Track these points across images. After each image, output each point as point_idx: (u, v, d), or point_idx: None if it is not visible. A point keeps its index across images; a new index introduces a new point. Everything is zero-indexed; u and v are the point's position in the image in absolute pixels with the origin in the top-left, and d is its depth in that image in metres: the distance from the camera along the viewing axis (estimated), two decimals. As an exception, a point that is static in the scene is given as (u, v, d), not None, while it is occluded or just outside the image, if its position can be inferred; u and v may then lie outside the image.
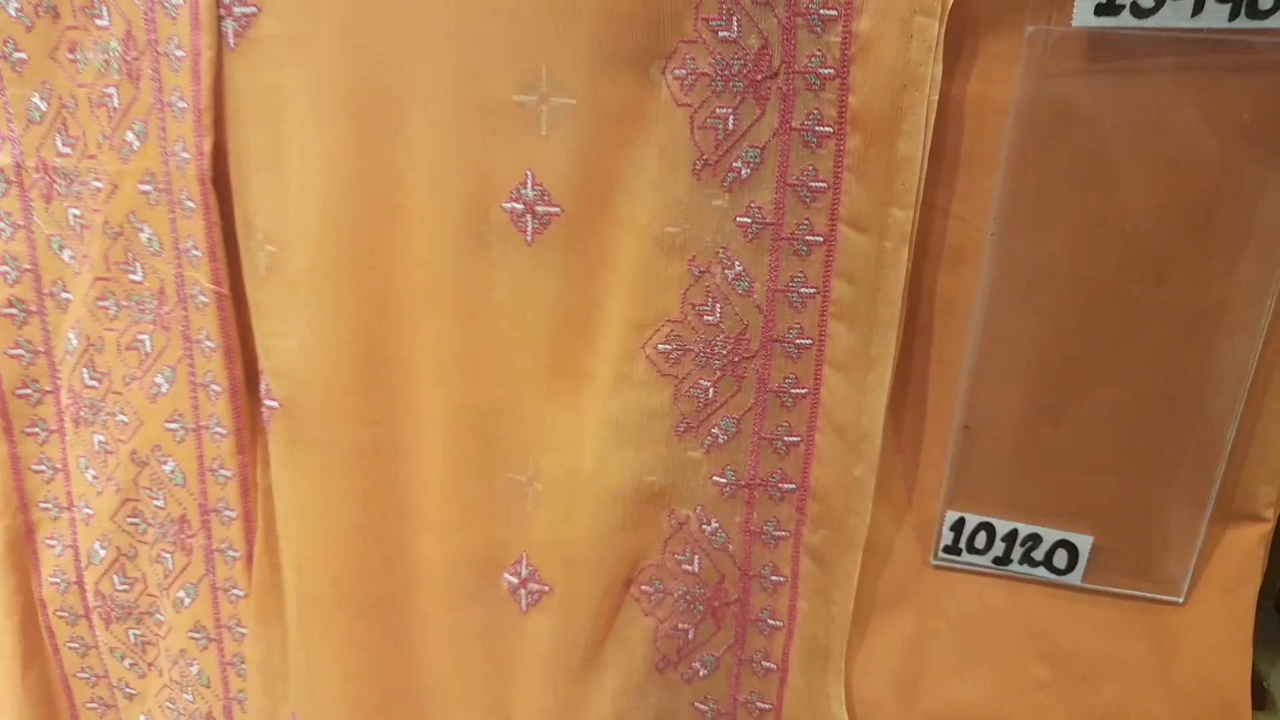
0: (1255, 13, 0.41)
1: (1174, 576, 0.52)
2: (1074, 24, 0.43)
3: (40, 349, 0.64)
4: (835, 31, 0.46)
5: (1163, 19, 0.42)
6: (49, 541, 0.68)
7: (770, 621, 0.55)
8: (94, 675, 0.71)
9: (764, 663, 0.56)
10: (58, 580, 0.68)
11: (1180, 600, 0.52)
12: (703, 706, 0.58)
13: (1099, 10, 0.43)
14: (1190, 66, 0.42)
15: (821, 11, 0.45)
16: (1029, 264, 0.48)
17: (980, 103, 0.46)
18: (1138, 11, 0.42)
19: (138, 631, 0.68)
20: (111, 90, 0.57)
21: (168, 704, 0.69)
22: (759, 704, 0.57)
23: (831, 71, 0.46)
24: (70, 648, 0.70)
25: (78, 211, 0.60)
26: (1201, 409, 0.49)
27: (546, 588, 0.57)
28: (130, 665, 0.70)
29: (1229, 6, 0.42)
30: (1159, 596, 0.52)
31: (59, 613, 0.69)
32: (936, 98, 0.45)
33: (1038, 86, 0.45)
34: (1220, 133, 0.44)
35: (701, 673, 0.57)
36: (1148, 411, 0.49)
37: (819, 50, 0.46)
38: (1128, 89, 0.44)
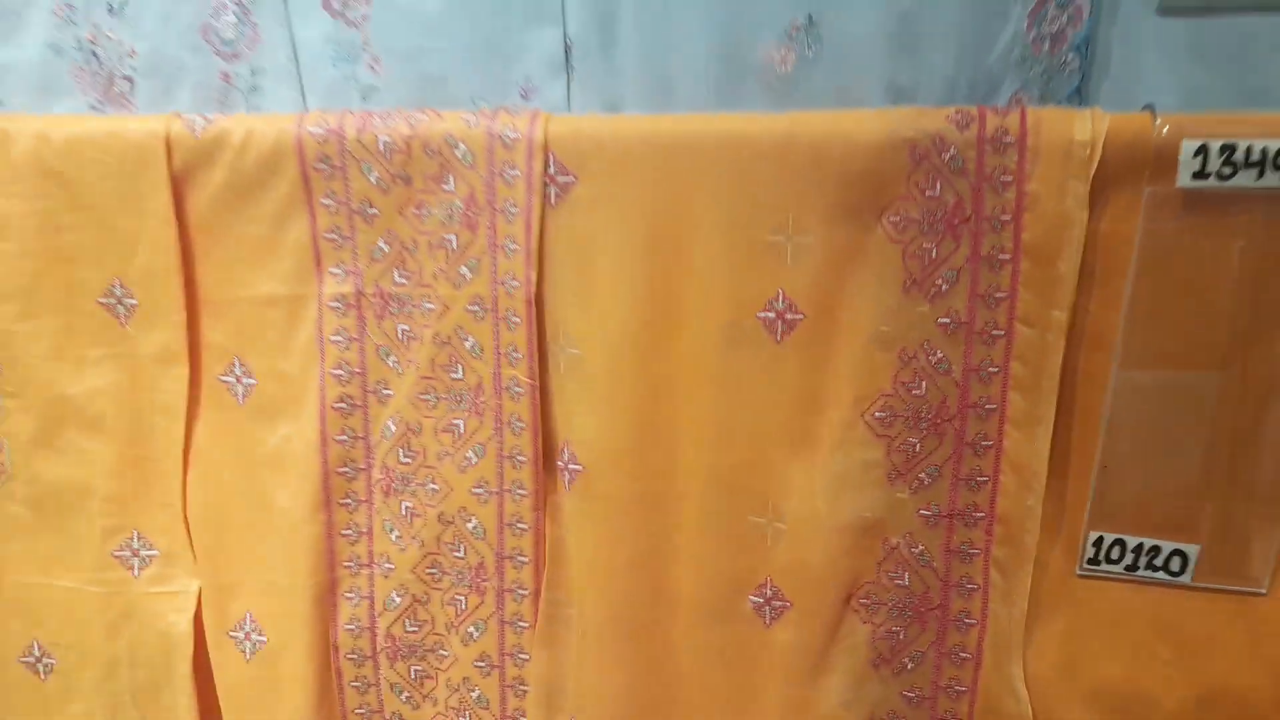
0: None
1: (1259, 575, 0.69)
2: (1178, 185, 0.63)
3: (360, 435, 0.78)
4: (1011, 190, 0.65)
5: (1238, 181, 0.62)
6: (348, 594, 0.80)
7: (967, 620, 0.71)
8: (370, 711, 0.83)
9: (961, 654, 0.72)
10: (352, 627, 0.81)
11: (1264, 591, 0.69)
12: (910, 694, 0.73)
13: (1194, 176, 0.62)
14: (1259, 216, 0.62)
15: (1002, 178, 0.65)
16: (1147, 350, 0.66)
17: (1114, 237, 0.65)
18: (1221, 177, 0.62)
19: (419, 667, 0.81)
20: (451, 236, 0.74)
21: (442, 731, 0.81)
22: (957, 688, 0.72)
23: (1009, 218, 0.65)
24: (353, 686, 0.82)
25: (407, 327, 0.76)
26: (1271, 452, 0.67)
27: (788, 604, 0.72)
28: (406, 698, 0.82)
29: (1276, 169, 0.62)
30: (1249, 589, 0.69)
31: (349, 655, 0.81)
32: (1083, 234, 0.64)
33: (1151, 227, 0.64)
34: (1254, 266, 0.64)
35: (909, 666, 0.73)
36: (1235, 454, 0.67)
37: (1000, 203, 0.65)
38: (1211, 227, 0.64)
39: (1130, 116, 0.64)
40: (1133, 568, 0.70)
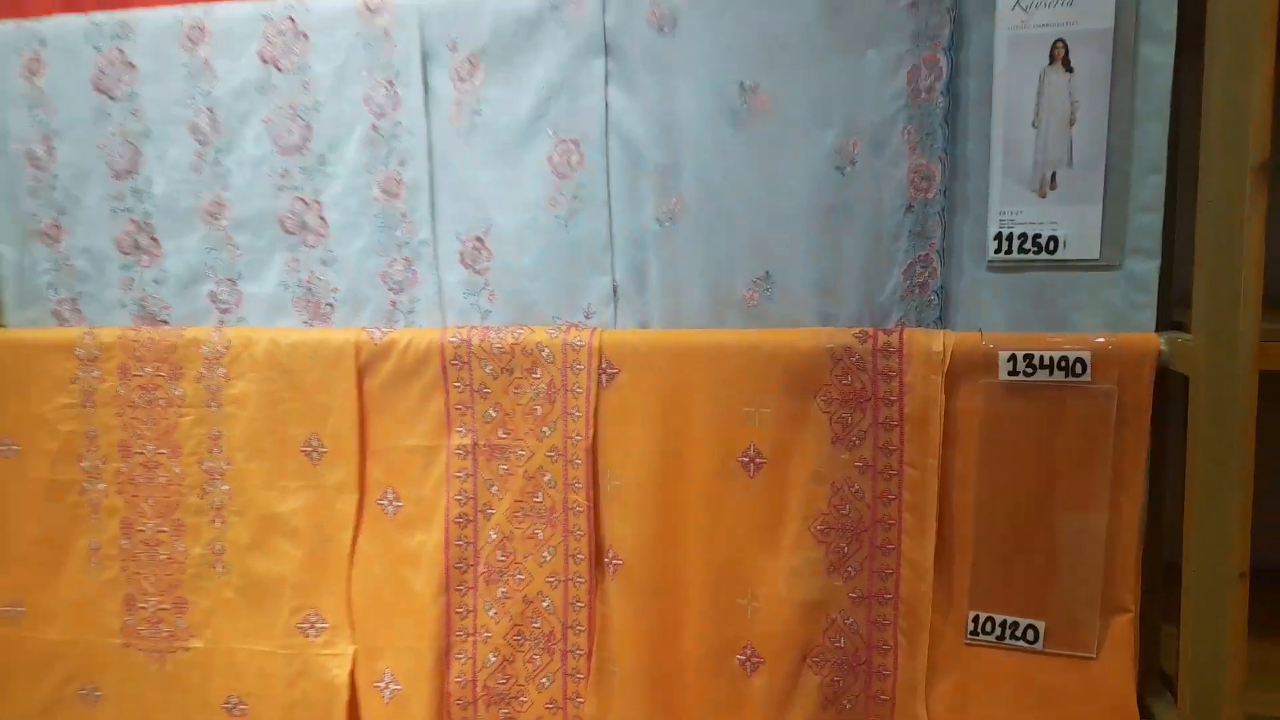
0: (1073, 372, 0.95)
1: (1088, 643, 0.97)
2: (999, 379, 0.97)
3: (471, 541, 1.12)
4: (895, 381, 1.00)
5: (1037, 377, 0.96)
6: (458, 655, 1.12)
7: (884, 672, 1.00)
8: (470, 743, 1.13)
9: (881, 697, 1.01)
10: (460, 680, 1.12)
11: (1094, 656, 0.97)
12: (849, 728, 1.01)
13: (1009, 374, 0.96)
14: (1051, 397, 0.96)
15: (889, 373, 1.00)
16: (992, 484, 0.98)
17: (963, 411, 0.99)
18: (1025, 374, 0.96)
19: (506, 711, 1.11)
20: (538, 407, 1.10)
21: (519, 757, 1.11)
22: (881, 721, 1.01)
23: (895, 398, 1.00)
24: (460, 725, 1.13)
25: (505, 467, 1.12)
26: (1088, 558, 0.97)
27: (762, 660, 1.02)
28: (497, 734, 1.12)
29: (1060, 369, 0.95)
30: (1082, 654, 0.97)
31: (457, 700, 1.12)
32: (942, 410, 0.98)
33: (985, 405, 0.98)
34: (1051, 430, 0.96)
35: (848, 706, 1.01)
36: (1060, 558, 0.97)
37: (888, 389, 1.00)
38: (1023, 404, 0.97)
39: (968, 335, 0.99)
40: (1001, 638, 0.99)
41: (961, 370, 0.99)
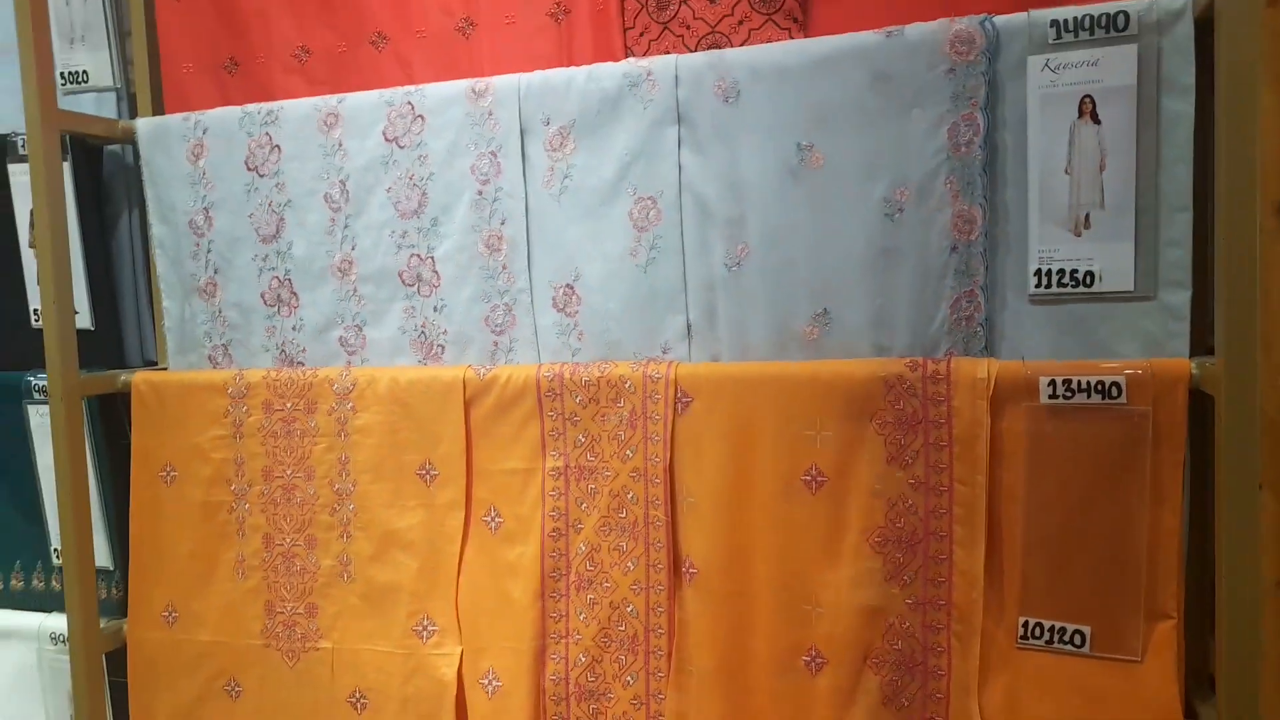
0: (1109, 395, 1.03)
1: (1133, 647, 1.03)
2: (1041, 401, 1.05)
3: (564, 553, 1.25)
4: (944, 405, 1.09)
5: (1076, 400, 1.04)
6: (552, 655, 1.25)
7: (939, 673, 1.08)
8: (563, 736, 1.24)
9: (937, 695, 1.08)
10: (554, 677, 1.24)
11: (1139, 659, 1.03)
12: (908, 724, 1.09)
13: (1049, 397, 1.05)
14: (1085, 419, 1.03)
15: (938, 398, 1.09)
16: (1038, 498, 1.06)
17: (1009, 432, 1.07)
18: (1065, 397, 1.04)
19: (595, 706, 1.23)
20: (621, 433, 1.23)
21: (607, 750, 1.22)
22: (935, 717, 1.07)
23: (944, 421, 1.09)
24: (553, 718, 1.24)
25: (594, 487, 1.25)
26: (1131, 567, 1.03)
27: (826, 662, 1.11)
28: (587, 729, 1.23)
29: (1097, 392, 1.03)
30: (1128, 658, 1.03)
31: (552, 697, 1.24)
32: (988, 431, 1.07)
33: (1029, 426, 1.06)
34: (1091, 449, 1.04)
35: (905, 704, 1.09)
36: (1107, 567, 1.04)
37: (938, 413, 1.09)
38: (1064, 425, 1.05)
39: (1011, 363, 1.08)
40: (1050, 642, 1.06)
41: (1005, 394, 1.07)
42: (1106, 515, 1.04)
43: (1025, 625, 1.07)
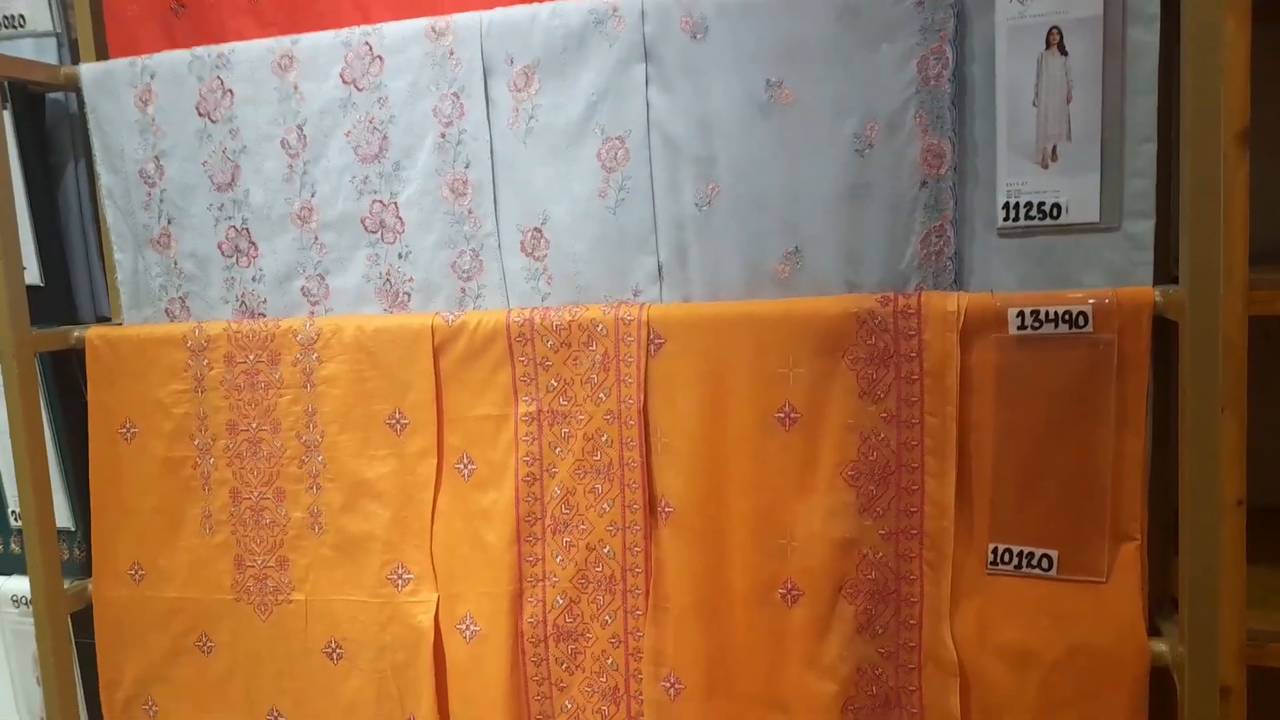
0: (1076, 325, 1.03)
1: (1099, 568, 1.05)
2: (1010, 333, 1.05)
3: (539, 497, 1.23)
4: (915, 339, 1.08)
5: (1044, 330, 1.03)
6: (529, 599, 1.23)
7: (912, 600, 1.08)
8: (541, 676, 1.23)
9: (910, 622, 1.09)
10: (532, 620, 1.23)
11: (1104, 580, 1.04)
12: (881, 650, 1.10)
13: (1018, 328, 1.04)
14: (1053, 348, 1.03)
15: (909, 332, 1.08)
16: (1007, 428, 1.06)
17: (978, 364, 1.07)
18: (1033, 328, 1.04)
19: (574, 646, 1.21)
20: (594, 376, 1.21)
21: (587, 688, 1.21)
22: (909, 644, 1.09)
23: (915, 354, 1.08)
24: (532, 660, 1.23)
25: (567, 430, 1.22)
26: (1096, 491, 1.04)
27: (802, 593, 1.11)
28: (565, 668, 1.22)
29: (1064, 322, 1.03)
30: (1093, 579, 1.04)
31: (530, 639, 1.23)
32: (958, 363, 1.06)
33: (998, 357, 1.06)
34: (1059, 377, 1.04)
35: (880, 631, 1.10)
36: (1071, 491, 1.04)
37: (909, 346, 1.08)
38: (1033, 355, 1.05)
39: (980, 295, 1.07)
40: (1019, 567, 1.07)
41: (975, 327, 1.07)
42: (1073, 442, 1.05)
43: (995, 551, 1.08)
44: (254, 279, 1.40)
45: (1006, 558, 1.07)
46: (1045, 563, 1.06)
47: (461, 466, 1.28)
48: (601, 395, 1.20)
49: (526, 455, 1.23)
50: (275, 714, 1.35)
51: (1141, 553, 1.04)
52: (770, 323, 1.13)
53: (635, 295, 1.24)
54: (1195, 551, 0.94)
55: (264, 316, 1.39)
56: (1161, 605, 1.08)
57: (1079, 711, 1.03)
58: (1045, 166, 1.08)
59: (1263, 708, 1.05)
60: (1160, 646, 1.02)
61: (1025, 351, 1.05)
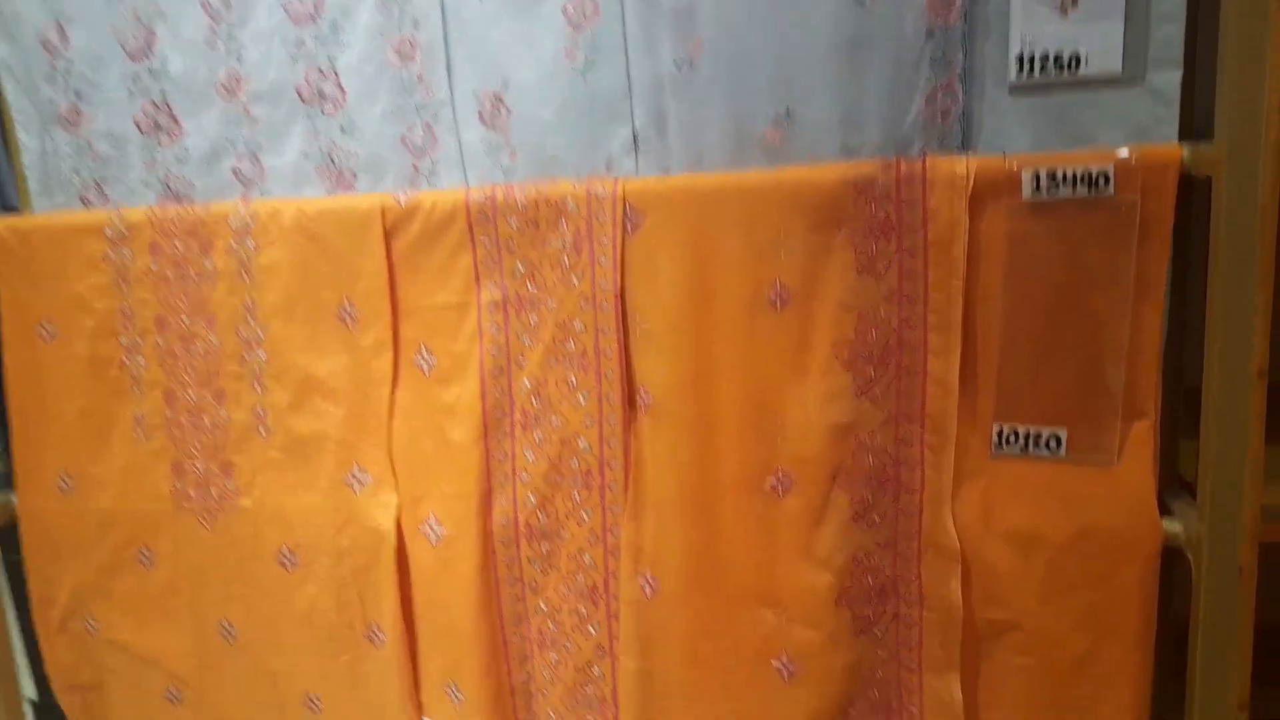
0: (1096, 186, 0.93)
1: (1110, 449, 0.97)
2: (1023, 198, 0.95)
3: (507, 391, 1.11)
4: (919, 208, 0.97)
5: (1060, 193, 0.93)
6: (498, 498, 1.13)
7: (912, 487, 1.00)
8: (514, 578, 1.14)
9: (910, 509, 1.01)
10: (502, 520, 1.12)
11: (1115, 460, 0.97)
12: (877, 540, 1.02)
13: (1033, 192, 0.94)
14: (1070, 214, 0.93)
15: (913, 200, 0.97)
16: (1018, 300, 0.97)
17: (987, 233, 0.96)
18: (1049, 192, 0.93)
19: (548, 545, 1.12)
20: (565, 258, 1.08)
21: (562, 588, 1.12)
22: (909, 532, 1.01)
23: (920, 225, 0.97)
24: (504, 561, 1.13)
25: (536, 318, 1.10)
26: (1110, 367, 0.96)
27: (793, 482, 1.02)
28: (538, 568, 1.13)
29: (1083, 184, 0.93)
30: (1103, 459, 0.97)
31: (501, 540, 1.13)
32: (966, 232, 0.96)
33: (1010, 225, 0.96)
34: (1075, 245, 0.94)
35: (877, 520, 1.02)
36: (1082, 366, 0.96)
37: (913, 216, 0.97)
38: (1047, 221, 0.95)
39: (991, 158, 0.96)
40: (1025, 448, 0.99)
41: (985, 193, 0.96)
42: (1086, 314, 0.95)
43: (1000, 432, 1.00)
44: (178, 159, 1.23)
45: (1012, 439, 1.00)
46: (1053, 443, 0.98)
47: (421, 360, 1.15)
48: (573, 279, 1.08)
49: (492, 346, 1.11)
50: (226, 626, 1.24)
51: (1154, 430, 0.96)
52: (759, 194, 1.01)
53: (608, 168, 1.11)
54: (1220, 424, 0.87)
55: (191, 201, 1.23)
56: (1168, 486, 1.01)
57: (1087, 595, 0.97)
58: (1064, 13, 0.96)
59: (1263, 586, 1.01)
60: (1174, 526, 0.96)
61: (1039, 218, 0.95)
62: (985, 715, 1.02)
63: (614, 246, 1.05)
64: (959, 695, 1.00)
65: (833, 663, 1.03)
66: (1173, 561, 0.98)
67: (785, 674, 1.05)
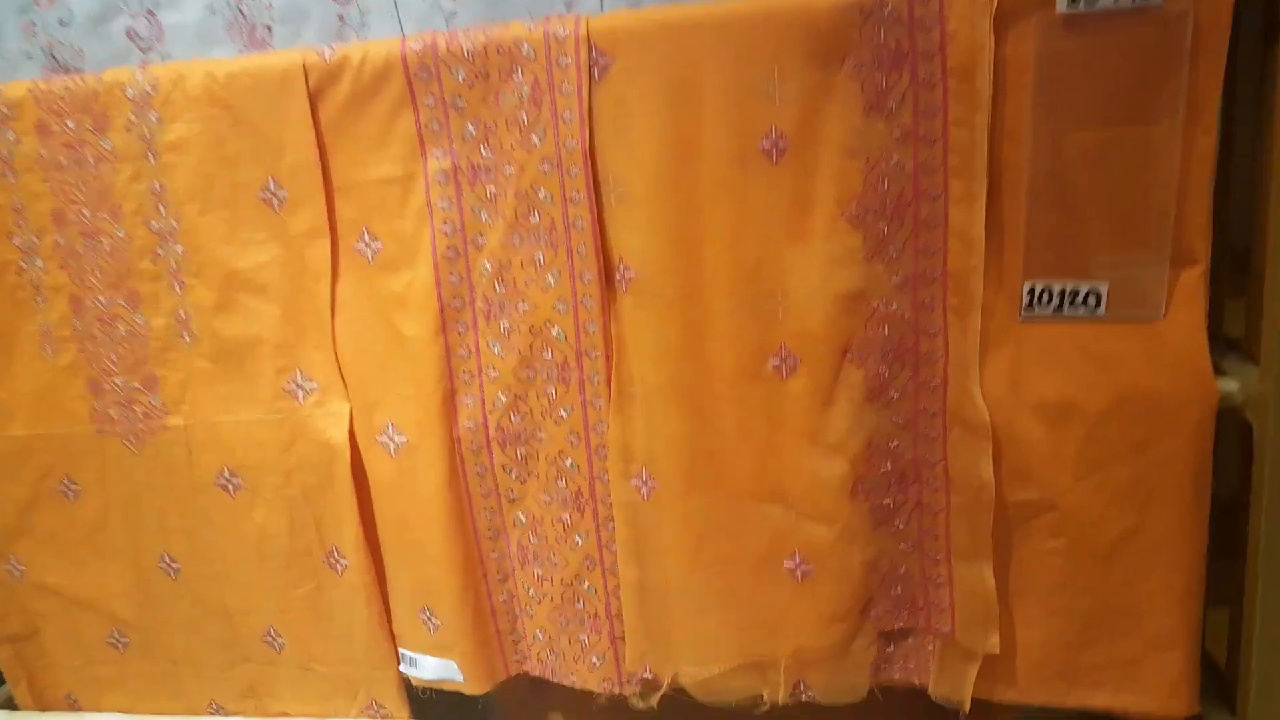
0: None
1: (1155, 304, 0.86)
2: (1058, 11, 0.80)
3: (465, 276, 0.97)
4: (936, 30, 0.83)
5: (1101, 4, 0.79)
6: (464, 400, 0.99)
7: (934, 357, 0.89)
8: (488, 489, 1.01)
9: (932, 382, 0.89)
10: (470, 424, 0.99)
11: (1161, 315, 0.85)
12: (896, 419, 0.91)
13: (1069, 4, 0.80)
14: (1112, 28, 0.80)
15: (928, 22, 0.83)
16: (1050, 135, 0.83)
17: (1015, 58, 0.82)
18: (1089, 2, 0.79)
19: (523, 450, 0.99)
20: (522, 114, 0.93)
21: (543, 497, 1.00)
22: (931, 409, 0.90)
23: (937, 50, 0.83)
24: (475, 472, 1.01)
25: (494, 189, 0.95)
26: (1158, 205, 0.83)
27: (798, 361, 0.90)
28: (515, 476, 1.00)
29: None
30: (1148, 315, 0.86)
31: (469, 447, 1.00)
32: (992, 57, 0.82)
33: (1043, 45, 0.82)
34: (1117, 65, 0.81)
35: (895, 398, 0.90)
36: (1125, 210, 0.84)
37: (928, 41, 0.83)
38: (1084, 39, 0.81)
39: (1020, -37, 0.82)
40: (1060, 308, 0.87)
41: (1012, 9, 0.81)
42: (1130, 146, 0.82)
43: (1031, 291, 0.88)
44: (61, 23, 1.04)
45: (1045, 298, 0.88)
46: (1092, 300, 0.87)
47: (363, 246, 1.00)
48: (534, 139, 0.93)
49: (444, 224, 0.96)
50: (167, 561, 1.11)
51: (1205, 278, 0.85)
52: (748, 26, 0.86)
53: (568, 7, 0.95)
54: (1290, 263, 0.76)
55: (81, 72, 1.05)
56: (1213, 344, 0.90)
57: (1130, 466, 0.87)
58: None
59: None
60: (1230, 385, 0.85)
61: (1075, 34, 0.81)
62: (1017, 605, 0.93)
63: (579, 97, 0.90)
64: (992, 583, 0.90)
65: (850, 559, 0.93)
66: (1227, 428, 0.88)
67: (798, 574, 0.95)
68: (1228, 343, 0.92)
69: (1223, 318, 0.92)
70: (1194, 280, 0.85)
